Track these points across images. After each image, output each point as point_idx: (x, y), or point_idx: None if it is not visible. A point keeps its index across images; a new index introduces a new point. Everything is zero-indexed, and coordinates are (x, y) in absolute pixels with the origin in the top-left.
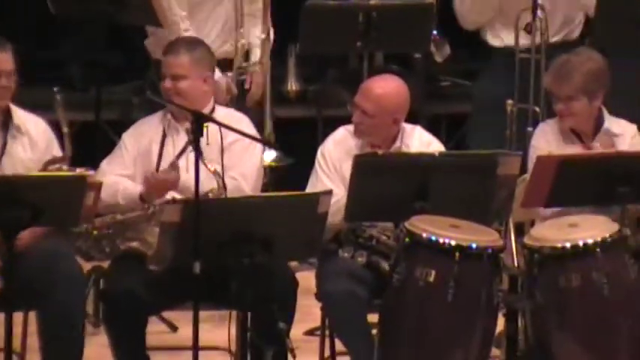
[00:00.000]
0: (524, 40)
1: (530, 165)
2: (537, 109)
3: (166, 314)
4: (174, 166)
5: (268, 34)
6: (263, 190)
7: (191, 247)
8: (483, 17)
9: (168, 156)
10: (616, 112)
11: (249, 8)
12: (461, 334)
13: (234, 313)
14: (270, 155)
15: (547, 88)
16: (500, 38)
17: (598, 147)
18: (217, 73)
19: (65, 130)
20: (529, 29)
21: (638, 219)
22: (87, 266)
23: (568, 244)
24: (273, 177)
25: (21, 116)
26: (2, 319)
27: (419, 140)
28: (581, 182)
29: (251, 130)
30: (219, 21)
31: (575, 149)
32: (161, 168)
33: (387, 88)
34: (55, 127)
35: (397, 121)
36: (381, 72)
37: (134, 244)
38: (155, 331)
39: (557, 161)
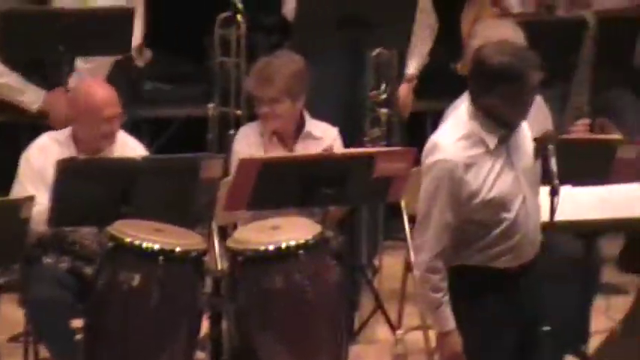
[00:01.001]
0: None
1: (233, 168)
2: (239, 112)
3: None
4: None
5: None
6: None
7: None
8: None
9: None
10: (317, 115)
11: None
12: (165, 337)
13: None
14: None
15: (250, 92)
16: None
17: (299, 150)
18: None
19: None
20: None
21: (339, 221)
22: None
23: (271, 247)
24: None
25: None
26: None
27: (122, 144)
28: (284, 184)
29: None
30: None
31: (277, 152)
32: None
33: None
34: None
35: None
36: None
37: None
38: None
39: (258, 164)
